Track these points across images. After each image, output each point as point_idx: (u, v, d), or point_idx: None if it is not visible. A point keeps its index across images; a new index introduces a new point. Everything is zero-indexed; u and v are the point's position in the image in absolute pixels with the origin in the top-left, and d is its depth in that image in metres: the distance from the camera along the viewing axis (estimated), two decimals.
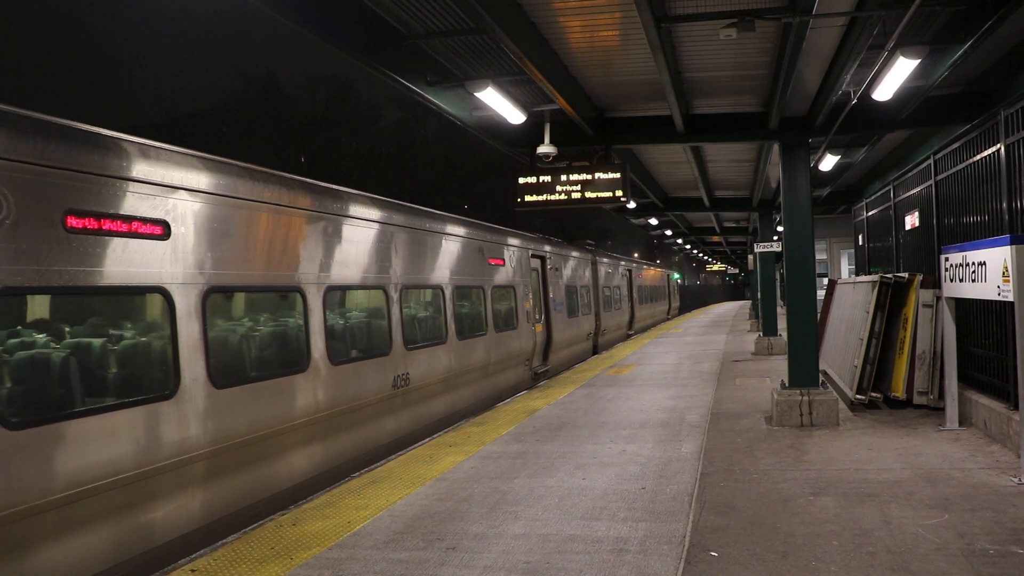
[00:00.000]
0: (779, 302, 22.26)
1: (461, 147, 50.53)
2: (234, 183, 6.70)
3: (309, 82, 50.79)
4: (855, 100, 8.78)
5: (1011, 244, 6.09)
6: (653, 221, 24.74)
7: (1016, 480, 6.09)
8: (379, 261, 9.21)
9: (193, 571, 4.96)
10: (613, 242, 63.66)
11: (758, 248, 18.79)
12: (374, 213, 9.17)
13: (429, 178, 50.58)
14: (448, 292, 11.19)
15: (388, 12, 6.89)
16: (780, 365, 13.71)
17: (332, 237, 8.21)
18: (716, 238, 36.57)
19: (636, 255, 58.93)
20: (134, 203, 5.62)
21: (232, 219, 6.63)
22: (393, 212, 9.74)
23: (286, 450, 7.15)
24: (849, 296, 11.96)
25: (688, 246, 47.59)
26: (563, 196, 9.74)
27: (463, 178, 53.24)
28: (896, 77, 7.78)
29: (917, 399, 9.02)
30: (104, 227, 5.34)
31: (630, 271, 28.96)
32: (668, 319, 40.07)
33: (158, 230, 5.82)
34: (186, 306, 6.03)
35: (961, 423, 8.16)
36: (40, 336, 5.29)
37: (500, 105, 8.59)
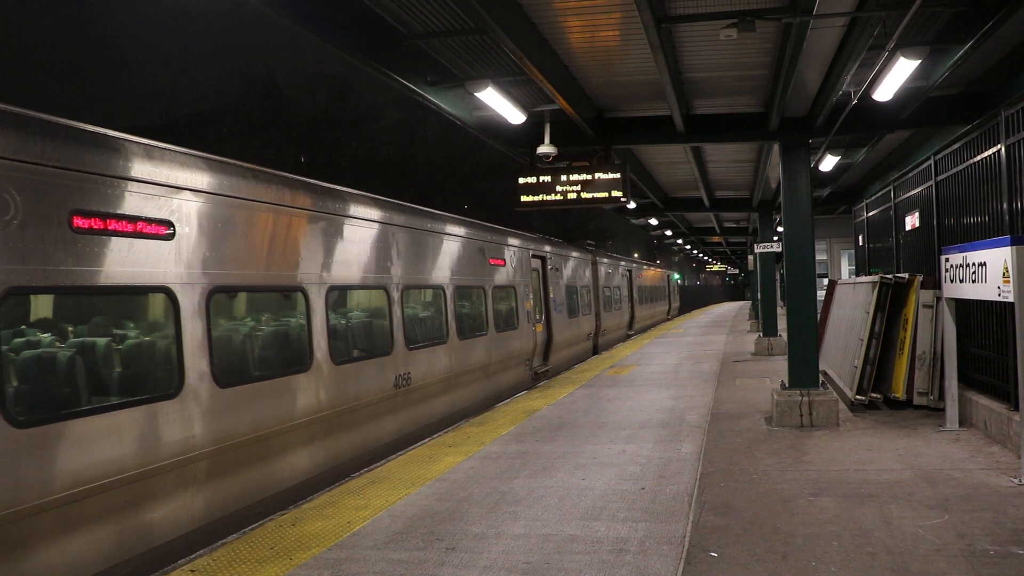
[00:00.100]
0: (779, 302, 22.26)
1: (461, 147, 50.49)
2: (237, 183, 6.73)
3: (309, 82, 50.78)
4: (855, 100, 8.78)
5: (1011, 245, 6.09)
6: (653, 221, 24.73)
7: (1016, 481, 6.09)
8: (381, 261, 9.23)
9: (193, 571, 4.95)
10: (613, 242, 63.63)
11: (758, 248, 18.79)
12: (376, 213, 9.19)
13: (429, 178, 50.55)
14: (449, 292, 11.20)
15: (388, 12, 6.89)
16: (780, 365, 13.70)
17: (334, 237, 8.22)
18: (716, 238, 36.57)
19: (636, 255, 58.93)
20: (139, 203, 5.66)
21: (235, 219, 6.66)
22: (394, 212, 9.75)
23: (288, 449, 7.16)
24: (849, 297, 11.96)
25: (688, 246, 47.59)
26: (563, 196, 9.73)
27: (463, 178, 53.21)
28: (896, 78, 7.78)
29: (917, 400, 9.02)
30: (109, 227, 5.38)
31: (630, 271, 28.96)
32: (668, 319, 40.06)
33: (163, 230, 5.85)
34: (190, 306, 6.06)
35: (961, 424, 8.16)
36: (46, 336, 5.32)
37: (500, 105, 8.59)
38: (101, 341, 5.55)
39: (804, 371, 9.16)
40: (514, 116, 8.99)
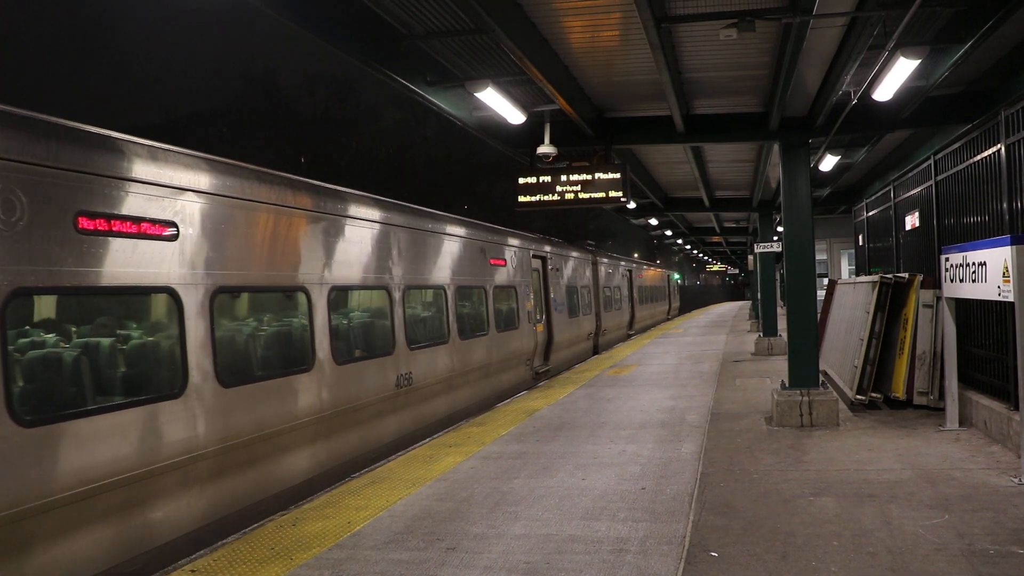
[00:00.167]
0: (779, 302, 22.26)
1: (461, 147, 50.46)
2: (240, 185, 6.77)
3: (309, 82, 50.73)
4: (855, 100, 8.77)
5: (1011, 244, 6.09)
6: (653, 221, 24.72)
7: (1016, 480, 6.09)
8: (382, 261, 9.24)
9: (193, 571, 4.96)
10: (613, 242, 63.58)
11: (758, 248, 18.78)
12: (377, 214, 9.20)
13: (429, 178, 50.51)
14: (450, 292, 11.22)
15: (388, 12, 6.89)
16: (780, 365, 13.70)
17: (336, 238, 8.25)
18: (716, 238, 36.58)
19: (636, 255, 58.91)
20: (143, 205, 5.70)
21: (238, 220, 6.70)
22: (396, 213, 9.77)
23: (291, 449, 7.19)
24: (849, 296, 11.96)
25: (688, 246, 47.59)
26: (563, 196, 9.73)
27: (463, 178, 53.17)
28: (896, 77, 7.78)
29: (917, 399, 9.02)
30: (114, 228, 5.43)
31: (630, 271, 28.96)
32: (668, 319, 40.06)
33: (167, 231, 5.90)
34: (194, 306, 6.10)
35: (961, 423, 8.16)
36: (52, 336, 5.35)
37: (500, 105, 8.59)
38: (106, 341, 5.58)
39: (804, 371, 9.16)
40: (514, 116, 8.99)
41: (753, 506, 5.81)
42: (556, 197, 9.75)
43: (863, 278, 11.97)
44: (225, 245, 6.51)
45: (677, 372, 14.79)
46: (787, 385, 9.31)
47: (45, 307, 5.34)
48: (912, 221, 10.86)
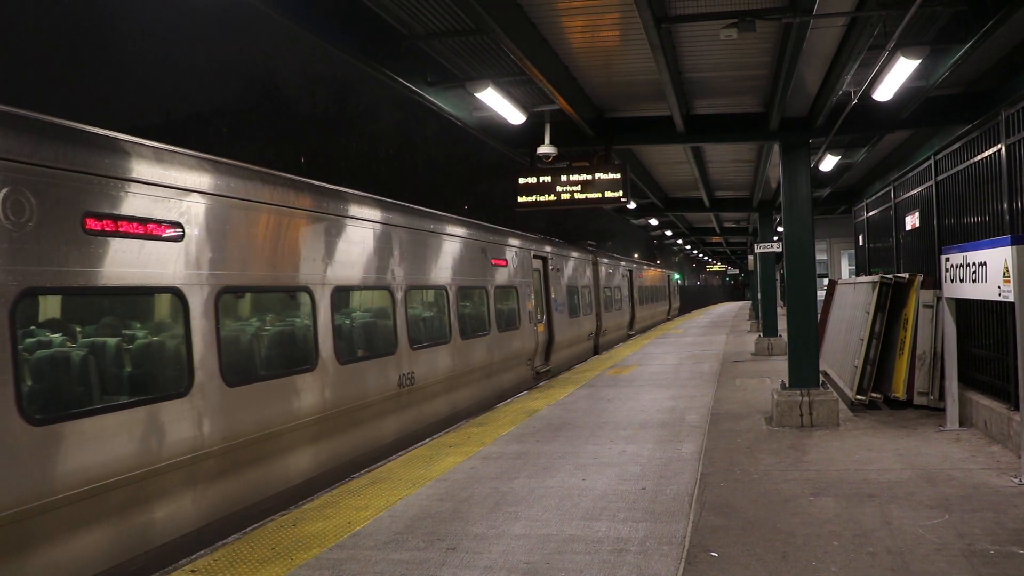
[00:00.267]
0: (779, 303, 22.26)
1: (461, 147, 50.48)
2: (244, 186, 6.82)
3: (309, 82, 50.76)
4: (855, 100, 8.77)
5: (1012, 244, 6.09)
6: (653, 221, 24.73)
7: (1017, 481, 6.09)
8: (384, 262, 9.27)
9: (193, 571, 4.96)
10: (613, 243, 63.57)
11: (758, 248, 18.78)
12: (379, 215, 9.23)
13: (429, 178, 50.53)
14: (452, 292, 11.24)
15: (388, 12, 6.89)
16: (780, 366, 13.70)
17: (339, 238, 8.29)
18: (716, 238, 36.58)
19: (636, 256, 58.90)
20: (149, 206, 5.74)
21: (243, 221, 6.75)
22: (398, 214, 9.80)
23: (295, 448, 7.22)
24: (849, 297, 11.96)
25: (688, 247, 47.59)
26: (563, 196, 9.74)
27: (463, 178, 53.19)
28: (897, 77, 7.78)
29: (917, 400, 9.02)
30: (121, 229, 5.48)
31: (631, 272, 28.96)
32: (668, 319, 40.06)
33: (173, 232, 5.94)
34: (199, 306, 6.14)
35: (961, 424, 8.16)
36: (61, 335, 5.40)
37: (500, 105, 8.59)
38: (113, 341, 5.64)
39: (804, 371, 9.16)
40: (514, 116, 9.00)
41: (753, 506, 5.81)
42: (556, 197, 9.75)
43: (863, 278, 11.97)
44: (229, 246, 6.56)
45: (677, 372, 14.79)
46: (787, 385, 9.31)
47: (54, 307, 5.39)
48: (912, 221, 10.86)
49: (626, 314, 27.28)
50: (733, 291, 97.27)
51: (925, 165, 10.05)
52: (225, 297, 6.48)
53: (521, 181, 9.84)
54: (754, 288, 28.87)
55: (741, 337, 24.04)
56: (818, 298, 10.72)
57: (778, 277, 22.97)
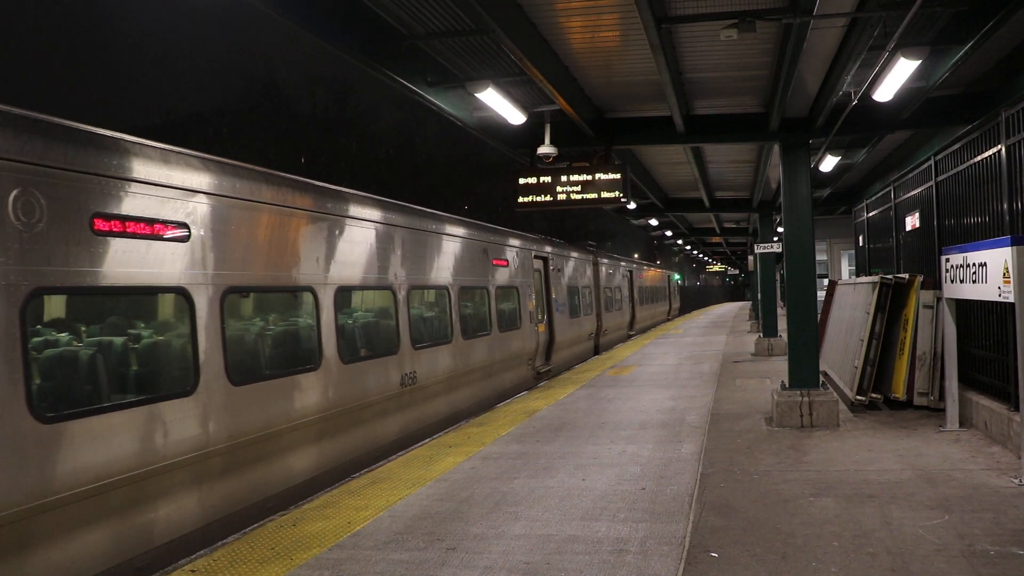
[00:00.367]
0: (779, 303, 22.26)
1: (461, 148, 50.47)
2: (249, 187, 6.86)
3: (309, 82, 50.73)
4: (856, 101, 8.77)
5: (1012, 245, 6.09)
6: (653, 222, 24.72)
7: (1017, 481, 6.09)
8: (387, 262, 9.30)
9: (193, 571, 4.96)
10: (614, 243, 63.55)
11: (758, 249, 18.78)
12: (381, 215, 9.26)
13: (430, 178, 50.51)
14: (453, 292, 11.27)
15: (388, 12, 6.89)
16: (780, 366, 13.70)
17: (342, 239, 8.33)
18: (716, 239, 36.57)
19: (637, 256, 58.89)
20: (156, 206, 5.78)
21: (247, 221, 6.79)
22: (399, 214, 9.83)
23: (298, 447, 7.25)
24: (849, 297, 11.96)
25: (688, 247, 47.57)
26: (563, 197, 9.74)
27: (464, 179, 53.17)
28: (897, 78, 7.78)
29: (917, 400, 9.02)
30: (129, 230, 5.52)
31: (631, 272, 28.97)
32: (668, 320, 40.06)
33: (179, 232, 5.99)
34: (205, 306, 6.19)
35: (961, 424, 8.16)
36: (69, 335, 5.44)
37: (500, 106, 8.60)
38: (120, 340, 5.67)
39: (804, 371, 9.16)
40: (514, 116, 9.00)
41: (753, 506, 5.81)
42: (556, 197, 9.76)
43: (863, 279, 11.97)
44: (234, 246, 6.60)
45: (677, 372, 14.79)
46: (787, 385, 9.31)
47: (63, 306, 5.43)
48: (912, 222, 10.86)
49: (626, 314, 27.29)
50: (733, 291, 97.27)
51: (925, 166, 10.05)
52: (230, 297, 6.53)
53: (521, 181, 9.84)
54: (754, 288, 28.87)
55: (741, 337, 24.04)
56: (818, 298, 10.72)
57: (778, 277, 22.97)
